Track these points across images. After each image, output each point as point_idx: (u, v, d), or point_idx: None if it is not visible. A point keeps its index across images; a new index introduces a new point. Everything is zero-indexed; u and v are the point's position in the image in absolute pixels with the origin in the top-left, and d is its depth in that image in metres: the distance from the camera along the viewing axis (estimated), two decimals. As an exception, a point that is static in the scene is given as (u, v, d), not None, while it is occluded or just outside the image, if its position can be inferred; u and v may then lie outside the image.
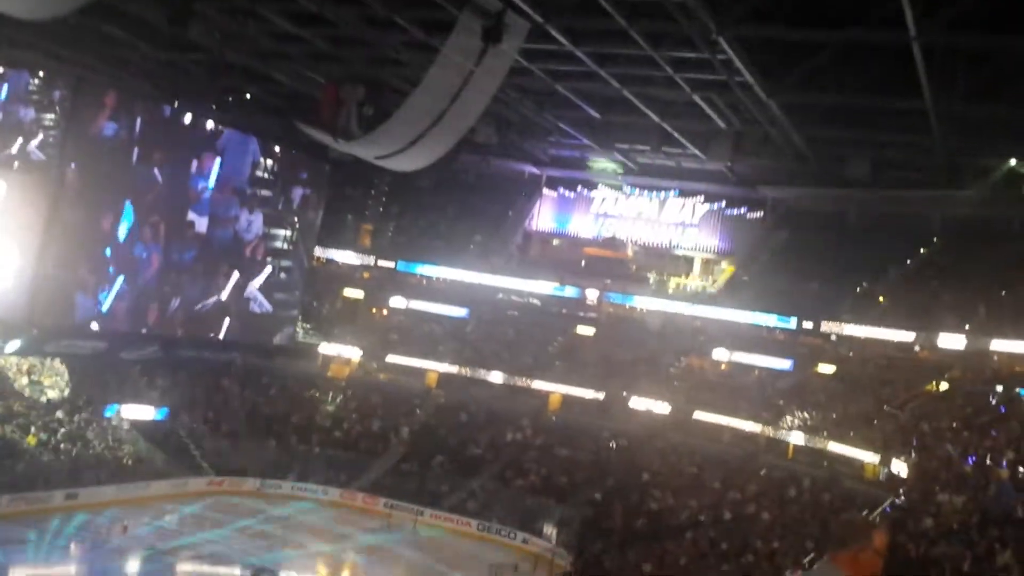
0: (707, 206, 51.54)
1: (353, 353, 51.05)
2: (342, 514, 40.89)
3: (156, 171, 35.21)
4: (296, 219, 45.12)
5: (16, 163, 30.29)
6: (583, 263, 53.35)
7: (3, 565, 28.29)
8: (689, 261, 52.54)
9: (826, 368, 43.79)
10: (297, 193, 42.00)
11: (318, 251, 52.35)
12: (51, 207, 30.93)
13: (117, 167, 33.17)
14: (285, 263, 40.54)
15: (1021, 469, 28.58)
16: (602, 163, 51.63)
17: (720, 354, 46.63)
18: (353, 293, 54.96)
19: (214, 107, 42.08)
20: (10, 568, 28.65)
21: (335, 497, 42.17)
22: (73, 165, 30.51)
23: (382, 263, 54.48)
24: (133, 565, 31.30)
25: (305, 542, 36.80)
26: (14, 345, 37.12)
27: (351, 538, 37.99)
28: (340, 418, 47.45)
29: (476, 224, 54.68)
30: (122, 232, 35.08)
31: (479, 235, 54.56)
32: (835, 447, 38.54)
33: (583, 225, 54.65)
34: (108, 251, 35.91)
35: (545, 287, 51.99)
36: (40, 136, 31.15)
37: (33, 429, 36.87)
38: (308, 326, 52.44)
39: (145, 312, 38.38)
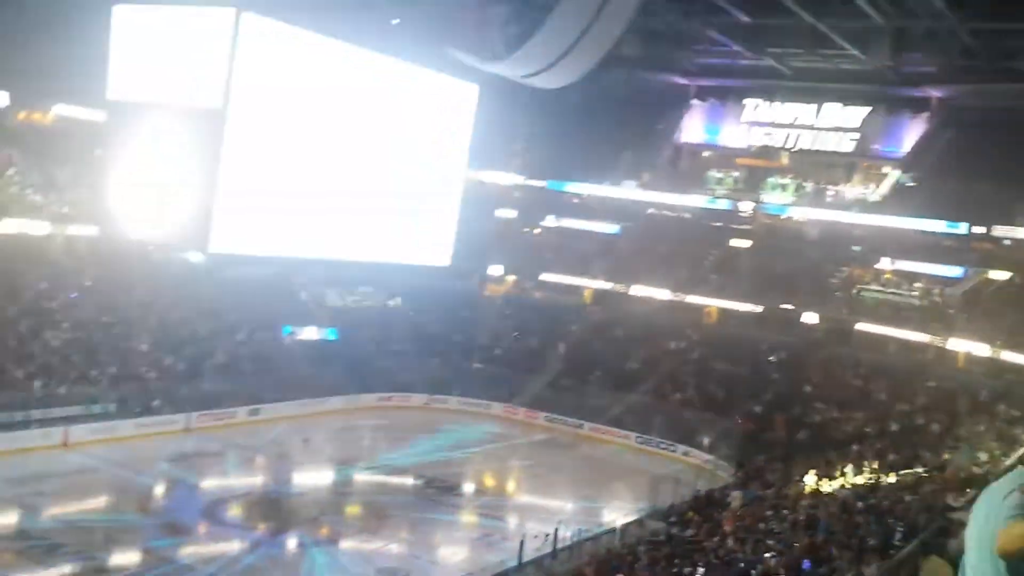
0: (867, 109, 49.39)
1: (502, 271, 51.95)
2: (505, 427, 42.25)
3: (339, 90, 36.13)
4: (453, 141, 45.74)
5: (186, 99, 31.77)
6: (736, 174, 52.25)
7: (195, 485, 30.52)
8: (849, 168, 50.70)
9: (999, 274, 41.82)
10: (448, 115, 42.49)
11: (470, 172, 53.06)
12: (217, 139, 32.36)
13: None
14: (443, 180, 41.23)
15: None
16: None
17: (884, 263, 45.16)
18: (505, 213, 55.67)
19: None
20: (201, 481, 30.99)
21: (498, 411, 43.55)
22: (243, 107, 31.76)
23: (533, 182, 54.91)
24: (316, 476, 33.32)
25: (471, 453, 38.27)
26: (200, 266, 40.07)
27: (516, 449, 39.27)
28: (499, 336, 48.64)
29: (625, 139, 54.17)
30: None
31: (628, 150, 54.08)
32: (1010, 356, 37.01)
33: (734, 135, 53.38)
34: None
35: (697, 200, 51.32)
36: (205, 70, 32.43)
37: (218, 351, 39.41)
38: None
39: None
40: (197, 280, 41.42)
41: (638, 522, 28.22)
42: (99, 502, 27.51)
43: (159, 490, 29.44)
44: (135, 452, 31.43)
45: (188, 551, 24.13)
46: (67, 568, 21.70)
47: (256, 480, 32.04)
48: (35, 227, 36.84)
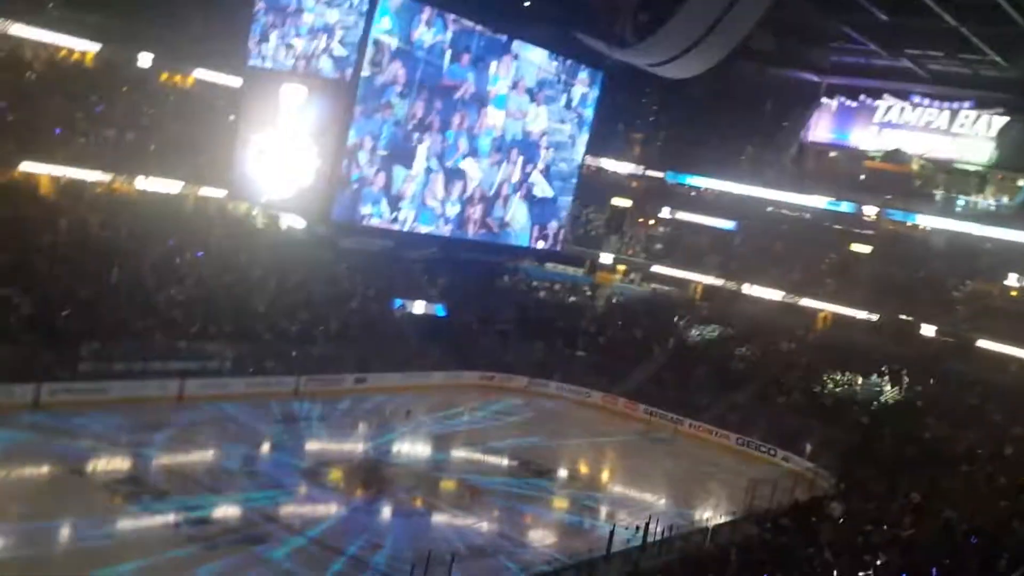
0: (1006, 119, 47.27)
1: (619, 261, 51.81)
2: (604, 416, 42.27)
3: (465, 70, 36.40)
4: (574, 124, 45.71)
5: (318, 69, 32.56)
6: (862, 177, 50.77)
7: (299, 446, 31.44)
8: (982, 177, 48.65)
9: None
10: (574, 101, 42.38)
11: (588, 159, 52.97)
12: (346, 111, 33.03)
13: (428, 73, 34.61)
14: (562, 161, 41.17)
15: None
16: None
17: (1012, 279, 43.30)
18: (621, 202, 55.43)
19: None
20: (305, 443, 31.96)
21: (597, 400, 43.58)
22: (369, 71, 32.35)
23: (651, 173, 54.48)
24: (414, 448, 34.01)
25: (569, 439, 38.42)
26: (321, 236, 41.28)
27: (613, 439, 39.25)
28: (605, 324, 48.56)
29: (749, 135, 53.25)
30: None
31: (752, 146, 53.16)
32: None
33: (864, 137, 51.87)
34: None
35: (819, 201, 50.10)
36: (339, 41, 33.14)
37: (331, 318, 40.48)
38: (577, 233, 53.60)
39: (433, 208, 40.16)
40: (316, 247, 42.60)
41: (731, 524, 27.90)
42: (206, 455, 28.65)
43: (264, 448, 30.51)
44: (245, 410, 32.61)
45: (287, 510, 24.92)
46: (171, 516, 22.62)
47: (357, 447, 32.85)
48: (168, 185, 38.40)
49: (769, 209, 51.73)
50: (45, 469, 24.63)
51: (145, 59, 38.90)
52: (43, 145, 35.05)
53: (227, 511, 24.07)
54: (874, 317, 44.46)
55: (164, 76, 41.20)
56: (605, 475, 36.19)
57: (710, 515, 29.82)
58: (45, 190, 36.13)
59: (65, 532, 21.19)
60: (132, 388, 31.10)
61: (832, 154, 53.73)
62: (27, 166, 34.88)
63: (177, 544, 20.91)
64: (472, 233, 38.91)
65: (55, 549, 20.20)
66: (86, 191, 36.91)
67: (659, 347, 46.45)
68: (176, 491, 24.13)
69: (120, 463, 26.16)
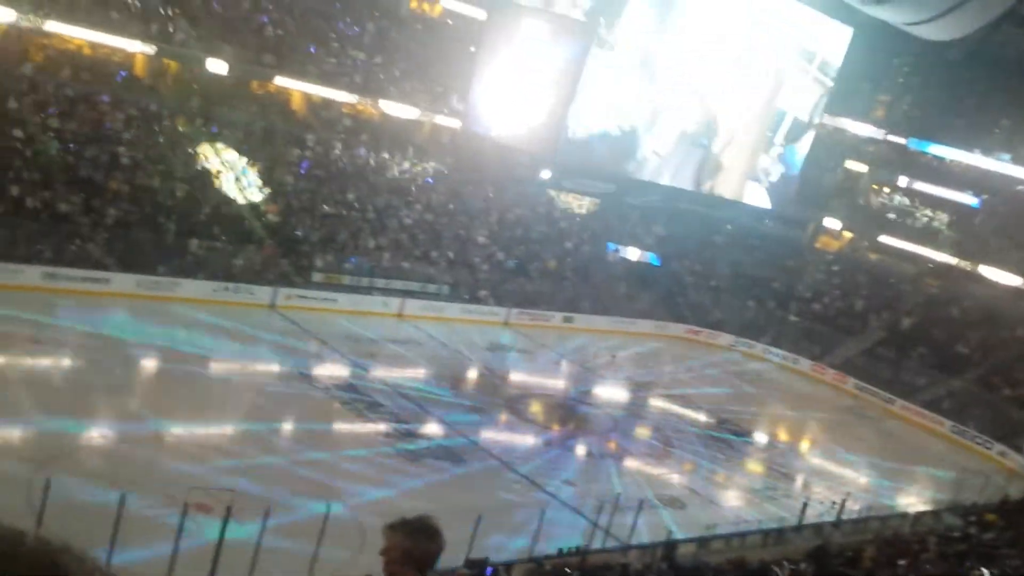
0: None
1: (847, 228, 49.80)
2: (810, 385, 41.17)
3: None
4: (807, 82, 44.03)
5: (565, 14, 32.96)
6: None
7: (504, 375, 32.50)
8: None
9: None
10: (814, 56, 40.73)
11: (826, 118, 50.88)
12: (583, 53, 33.28)
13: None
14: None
15: None
16: None
17: None
18: (855, 166, 53.00)
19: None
20: (510, 373, 33.02)
21: (805, 368, 42.42)
22: (602, 19, 32.51)
23: (892, 138, 51.68)
24: (614, 392, 34.48)
25: (770, 403, 37.80)
26: (545, 175, 42.22)
27: (817, 410, 38.24)
28: (821, 291, 47.02)
29: (1006, 106, 49.32)
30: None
31: (1007, 119, 49.28)
32: None
33: None
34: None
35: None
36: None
37: (544, 255, 41.34)
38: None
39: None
40: (540, 184, 43.45)
41: (933, 513, 26.82)
42: (419, 372, 30.21)
43: (472, 374, 31.83)
44: (458, 335, 34.07)
45: (487, 435, 26.00)
46: (382, 426, 24.12)
47: (558, 383, 33.67)
48: (407, 112, 40.02)
49: (1020, 188, 48.02)
50: (275, 368, 26.80)
51: (395, -14, 40.50)
52: (298, 62, 37.31)
53: (432, 428, 25.39)
54: None
55: (413, 3, 42.72)
56: (805, 445, 35.38)
57: (912, 501, 28.74)
58: (296, 106, 38.55)
59: (287, 428, 23.20)
60: (358, 301, 33.18)
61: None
62: (281, 80, 37.28)
63: (386, 455, 22.37)
64: (691, 184, 38.59)
65: (280, 446, 22.16)
66: (333, 110, 39.10)
67: (878, 321, 44.53)
68: (388, 404, 25.68)
69: (340, 371, 28.07)
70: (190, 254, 30.13)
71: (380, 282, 34.53)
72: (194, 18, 34.97)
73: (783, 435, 35.33)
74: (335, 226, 34.80)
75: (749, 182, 40.28)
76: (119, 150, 31.00)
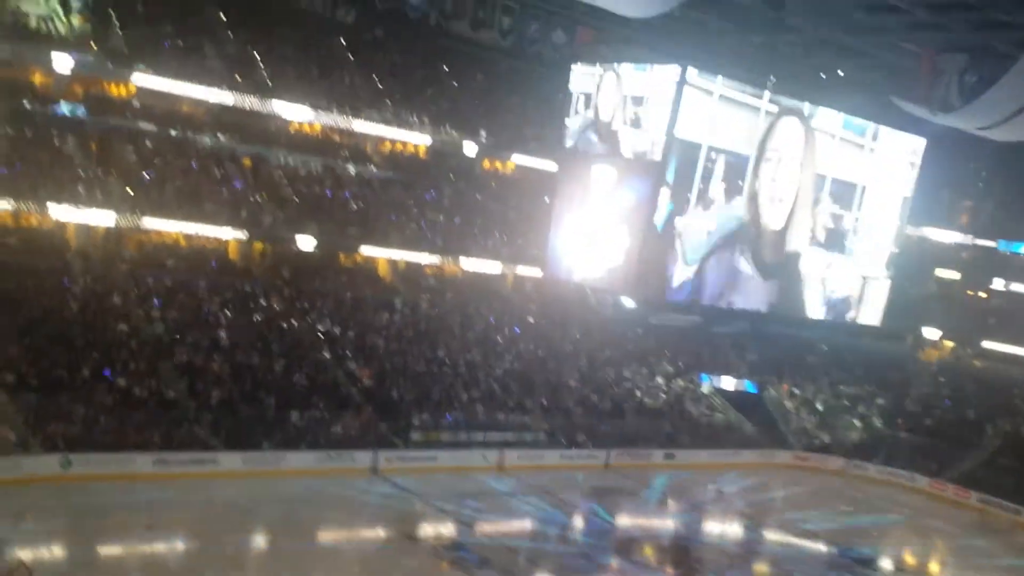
0: None
1: (947, 336, 48.47)
2: (931, 504, 39.23)
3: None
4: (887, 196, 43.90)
5: (629, 155, 33.66)
6: None
7: (610, 520, 31.77)
8: None
9: None
10: (889, 169, 40.66)
11: (909, 229, 50.21)
12: (653, 193, 33.78)
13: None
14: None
15: None
16: None
17: None
18: (947, 273, 52.01)
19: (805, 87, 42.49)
20: (616, 518, 32.32)
21: (923, 485, 40.55)
22: (674, 159, 33.13)
23: (981, 242, 50.80)
24: (725, 528, 33.42)
25: (892, 527, 36.10)
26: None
27: (942, 530, 36.32)
28: (930, 404, 45.47)
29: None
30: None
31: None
32: None
33: None
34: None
35: None
36: (644, 129, 34.07)
37: (639, 393, 41.02)
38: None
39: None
40: (625, 323, 43.54)
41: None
42: (524, 524, 29.83)
43: (578, 521, 31.28)
44: (558, 482, 33.66)
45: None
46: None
47: (667, 523, 32.81)
48: (489, 266, 40.95)
49: None
50: (382, 533, 26.78)
51: (470, 148, 41.94)
52: (380, 231, 38.70)
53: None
54: None
55: (487, 163, 44.29)
56: (934, 568, 33.55)
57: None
58: (382, 272, 39.81)
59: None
60: (457, 457, 33.23)
61: None
62: (367, 250, 38.68)
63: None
64: (782, 308, 38.19)
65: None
66: (418, 272, 40.23)
67: (994, 429, 42.66)
68: (496, 559, 25.31)
69: (447, 529, 27.90)
70: (291, 426, 30.74)
71: (478, 435, 34.59)
72: (281, 200, 36.73)
73: (910, 559, 33.56)
74: (428, 384, 35.24)
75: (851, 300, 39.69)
76: (219, 333, 32.25)
